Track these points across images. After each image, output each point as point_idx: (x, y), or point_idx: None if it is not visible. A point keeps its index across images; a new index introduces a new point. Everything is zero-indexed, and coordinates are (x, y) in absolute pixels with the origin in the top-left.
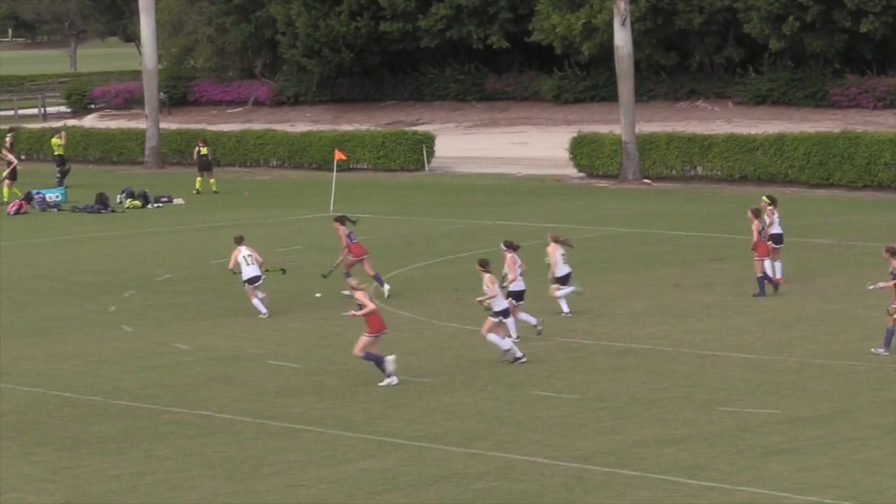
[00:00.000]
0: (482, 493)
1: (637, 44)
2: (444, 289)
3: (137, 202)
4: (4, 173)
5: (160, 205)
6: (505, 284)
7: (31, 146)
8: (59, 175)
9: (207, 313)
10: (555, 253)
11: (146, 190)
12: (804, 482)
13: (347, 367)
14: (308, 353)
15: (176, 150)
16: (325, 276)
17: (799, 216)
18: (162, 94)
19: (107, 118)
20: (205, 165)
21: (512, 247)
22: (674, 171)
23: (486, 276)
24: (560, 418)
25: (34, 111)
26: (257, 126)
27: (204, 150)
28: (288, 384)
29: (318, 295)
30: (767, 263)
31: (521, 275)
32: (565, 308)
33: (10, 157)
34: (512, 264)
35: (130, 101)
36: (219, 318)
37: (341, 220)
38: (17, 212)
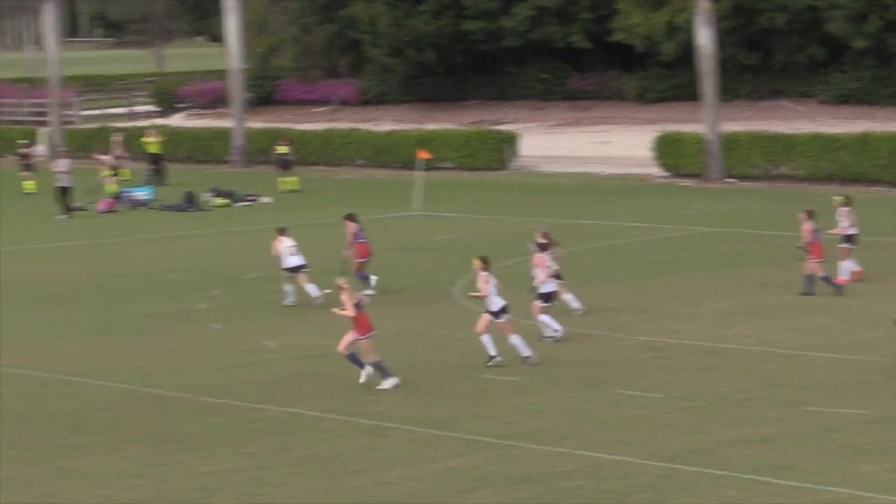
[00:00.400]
0: (569, 492)
1: (720, 43)
2: (527, 288)
3: (224, 201)
4: (104, 172)
5: (247, 203)
6: (535, 284)
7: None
8: (148, 173)
9: (294, 311)
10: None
11: (233, 189)
12: (894, 483)
13: (434, 366)
14: (394, 351)
15: (261, 149)
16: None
17: (883, 215)
18: (247, 93)
19: (193, 117)
20: (282, 164)
21: (542, 247)
22: (757, 171)
23: (483, 274)
24: (646, 417)
25: (122, 110)
26: (342, 125)
27: (282, 150)
28: (375, 382)
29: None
30: (844, 264)
31: (552, 276)
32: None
33: (104, 157)
34: (541, 264)
35: (217, 101)
36: (306, 316)
37: (352, 217)
38: (108, 210)
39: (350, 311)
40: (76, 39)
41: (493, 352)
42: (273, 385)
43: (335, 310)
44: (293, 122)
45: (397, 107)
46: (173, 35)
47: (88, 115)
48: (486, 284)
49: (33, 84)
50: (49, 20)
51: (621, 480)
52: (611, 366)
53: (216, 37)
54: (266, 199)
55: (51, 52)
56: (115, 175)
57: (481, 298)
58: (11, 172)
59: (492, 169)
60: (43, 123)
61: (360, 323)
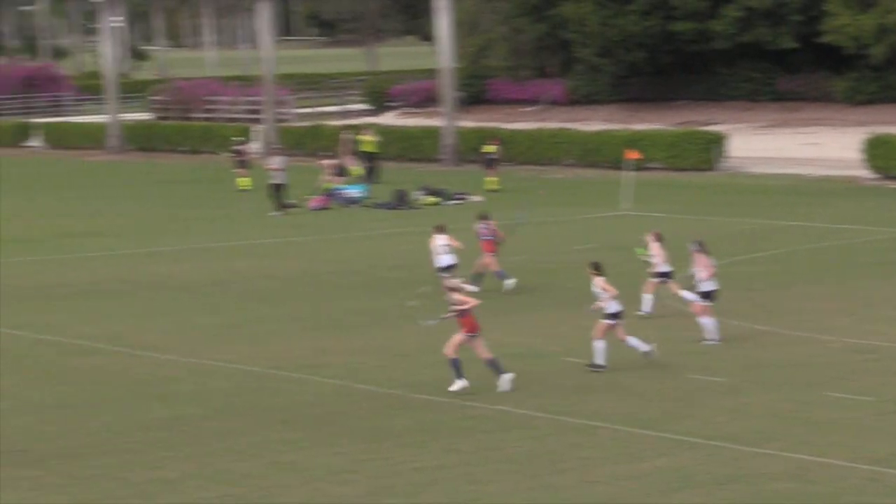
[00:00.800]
0: (776, 494)
1: None
2: (736, 288)
3: (434, 199)
4: (325, 174)
5: (457, 202)
6: (696, 280)
7: (333, 143)
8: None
9: (503, 309)
10: (658, 251)
11: (443, 187)
12: None
13: (643, 366)
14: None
15: (472, 148)
16: (510, 287)
17: None
18: (458, 92)
19: (405, 116)
20: (487, 163)
21: (702, 247)
22: None
23: (599, 279)
24: (855, 420)
25: (335, 109)
26: (551, 125)
27: (488, 148)
28: (583, 381)
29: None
30: None
31: (712, 276)
32: (647, 308)
33: (326, 162)
34: (702, 264)
35: (428, 100)
36: (514, 315)
37: (482, 217)
38: (320, 207)
39: (472, 301)
40: (290, 38)
41: (600, 360)
42: (482, 383)
43: (447, 315)
44: (503, 122)
45: (606, 106)
46: (385, 34)
47: (302, 112)
48: (608, 287)
49: (248, 82)
50: (264, 19)
51: (828, 483)
52: (820, 368)
53: (427, 36)
54: (476, 198)
55: (265, 50)
56: (342, 175)
57: (602, 304)
58: (226, 169)
59: (700, 169)
60: (257, 121)
61: (467, 322)
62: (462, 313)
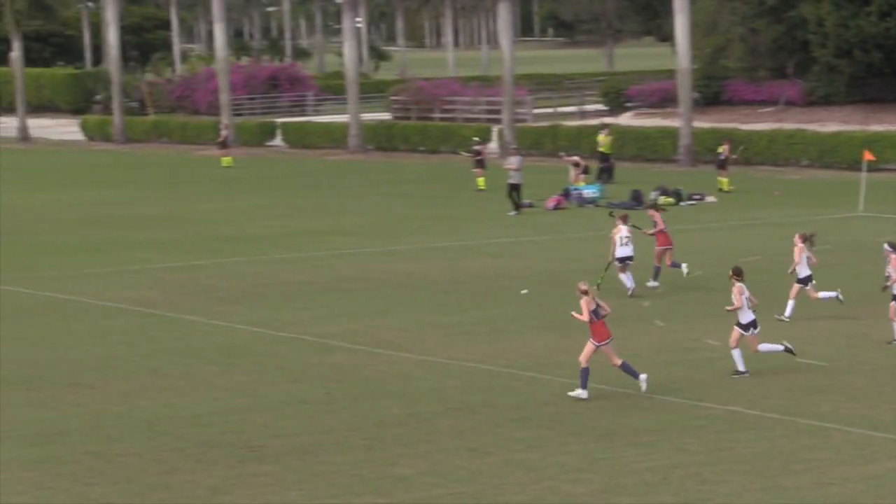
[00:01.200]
0: None
1: None
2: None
3: (670, 199)
4: (573, 173)
5: (692, 202)
6: (888, 284)
7: (570, 143)
8: (598, 171)
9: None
10: (800, 254)
11: (679, 187)
12: None
13: (875, 368)
14: (836, 352)
15: (708, 149)
16: (690, 274)
17: None
18: (695, 92)
19: (642, 116)
20: (718, 164)
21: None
22: None
23: (737, 285)
24: None
25: (572, 109)
26: (788, 126)
27: (719, 149)
28: (816, 382)
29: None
30: None
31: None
32: (787, 312)
33: (572, 158)
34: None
35: (665, 100)
36: None
37: (655, 207)
38: (556, 207)
39: (585, 317)
40: (529, 39)
41: (741, 367)
42: (714, 383)
43: (573, 313)
44: (739, 123)
45: (843, 107)
46: (623, 35)
47: (539, 113)
48: (740, 296)
49: (487, 82)
50: (503, 20)
51: None
52: None
53: (665, 37)
54: (711, 199)
55: (505, 51)
56: (586, 173)
57: (734, 311)
58: (465, 169)
59: None
60: (496, 121)
61: (597, 330)
62: (592, 320)
